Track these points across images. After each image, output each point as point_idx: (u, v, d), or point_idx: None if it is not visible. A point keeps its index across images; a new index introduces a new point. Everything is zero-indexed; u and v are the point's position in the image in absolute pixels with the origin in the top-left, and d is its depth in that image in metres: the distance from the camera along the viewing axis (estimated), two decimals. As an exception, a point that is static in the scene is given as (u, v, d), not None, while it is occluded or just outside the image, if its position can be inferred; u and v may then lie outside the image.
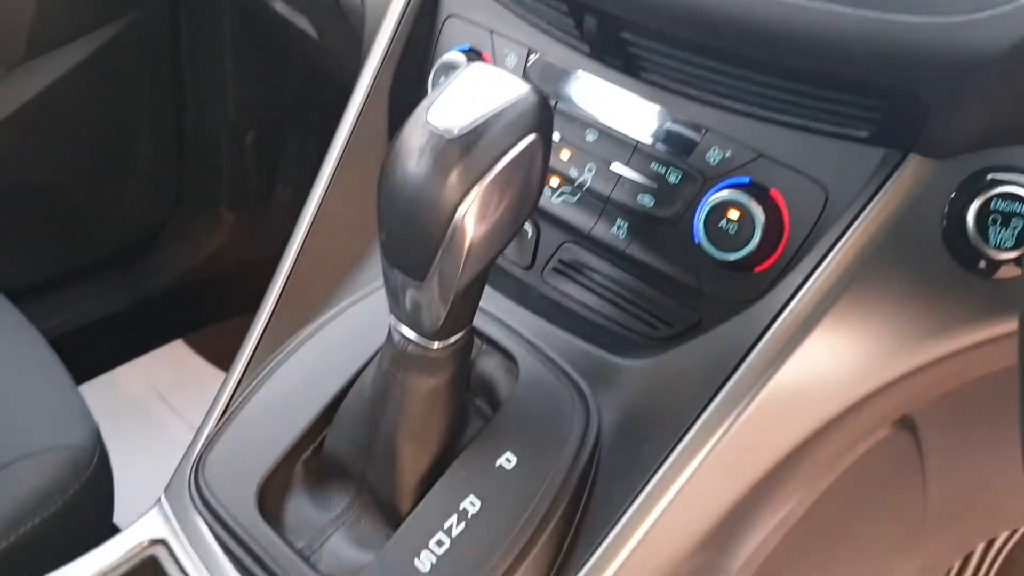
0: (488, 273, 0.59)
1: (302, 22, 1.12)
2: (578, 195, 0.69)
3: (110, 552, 0.70)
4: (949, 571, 0.96)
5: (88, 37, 1.37)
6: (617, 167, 0.67)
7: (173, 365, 1.66)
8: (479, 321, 0.67)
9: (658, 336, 0.65)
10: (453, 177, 0.53)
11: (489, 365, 0.68)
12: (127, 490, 0.95)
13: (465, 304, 0.59)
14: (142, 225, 1.59)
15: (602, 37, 0.64)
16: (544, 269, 0.71)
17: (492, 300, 0.70)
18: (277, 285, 0.76)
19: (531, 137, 0.55)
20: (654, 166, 0.65)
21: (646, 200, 0.65)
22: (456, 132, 0.53)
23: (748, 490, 0.60)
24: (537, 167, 0.56)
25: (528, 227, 0.71)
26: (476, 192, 0.54)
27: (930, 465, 0.69)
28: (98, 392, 1.26)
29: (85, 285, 1.54)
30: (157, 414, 1.61)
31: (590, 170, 0.68)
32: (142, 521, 0.72)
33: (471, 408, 0.66)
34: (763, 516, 0.63)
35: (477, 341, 0.68)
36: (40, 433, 0.83)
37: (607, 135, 0.67)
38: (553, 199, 0.70)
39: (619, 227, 0.67)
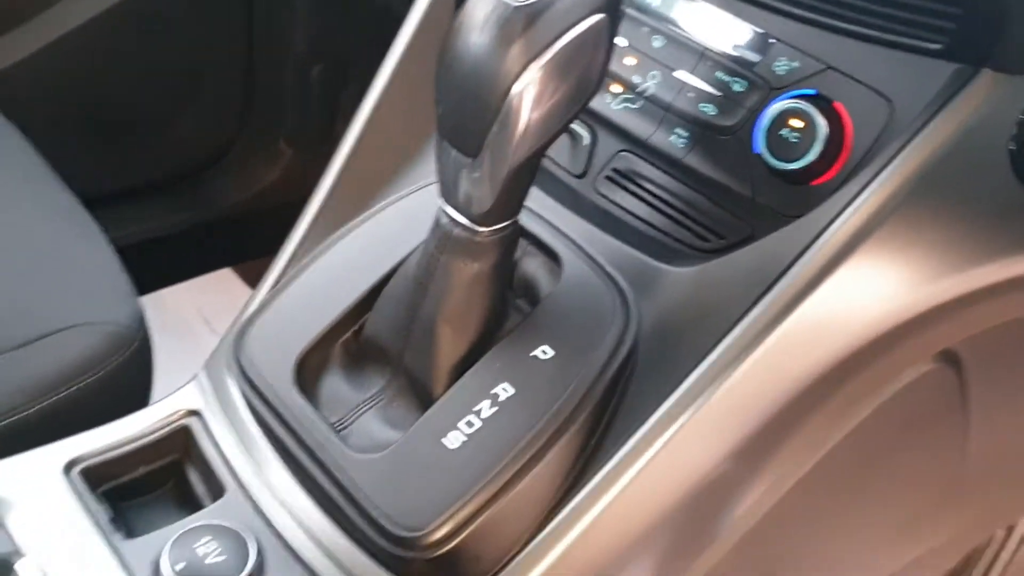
0: (539, 161, 0.59)
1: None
2: (639, 102, 0.68)
3: (142, 419, 0.71)
4: (991, 539, 0.93)
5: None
6: (681, 75, 0.66)
7: (220, 291, 1.69)
8: (527, 221, 0.67)
9: (707, 248, 0.65)
10: (515, 48, 0.53)
11: (532, 266, 0.68)
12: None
13: (514, 190, 0.58)
14: (202, 149, 1.61)
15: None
16: (597, 178, 0.70)
17: (541, 204, 0.70)
18: (332, 175, 0.77)
19: (598, 17, 0.54)
20: (719, 75, 0.64)
21: (708, 109, 0.65)
22: (523, 1, 0.53)
23: (783, 405, 0.60)
24: (602, 50, 0.56)
25: (584, 133, 0.71)
26: (536, 66, 0.53)
27: (973, 409, 0.67)
28: (145, 309, 1.28)
29: (141, 203, 1.56)
30: (200, 336, 1.64)
31: (653, 77, 0.67)
32: (178, 393, 0.73)
33: (511, 305, 0.66)
34: (796, 435, 0.62)
35: (522, 242, 0.68)
36: (88, 307, 0.85)
37: (674, 42, 0.67)
38: (613, 106, 0.69)
39: (678, 136, 0.66)
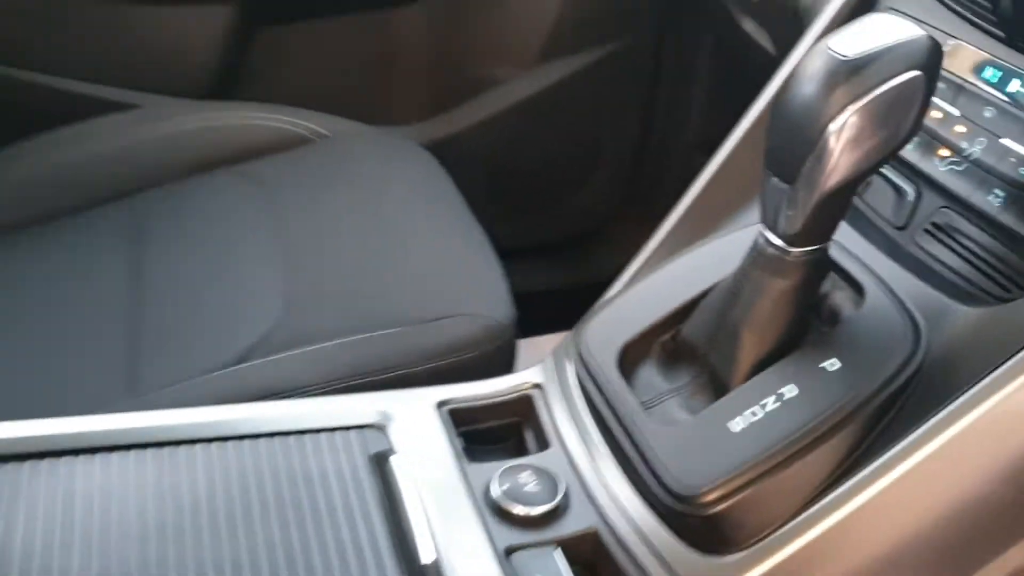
0: (848, 196, 0.68)
1: (763, 39, 1.27)
2: (964, 165, 0.74)
3: (499, 383, 0.88)
4: None
5: (586, 52, 1.64)
6: (1007, 142, 0.72)
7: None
8: (844, 261, 0.76)
9: (1008, 299, 0.69)
10: (838, 92, 0.63)
11: (840, 298, 0.76)
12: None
13: (821, 217, 0.67)
14: (589, 220, 1.82)
15: (1017, 18, 0.70)
16: (916, 230, 0.77)
17: (861, 248, 0.78)
18: (679, 211, 0.91)
19: (914, 73, 0.63)
20: None
21: (1028, 173, 0.70)
22: (850, 55, 0.63)
23: None
24: (916, 103, 0.64)
25: (910, 190, 0.78)
26: (853, 109, 0.63)
27: None
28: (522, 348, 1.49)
29: (532, 259, 1.80)
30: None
31: (980, 143, 0.73)
32: (529, 370, 0.90)
33: (814, 328, 0.75)
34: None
35: (836, 277, 0.76)
36: (476, 303, 1.06)
37: (1004, 112, 0.72)
38: (940, 167, 0.76)
39: (995, 195, 0.71)
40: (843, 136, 0.64)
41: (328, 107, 1.47)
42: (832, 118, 0.63)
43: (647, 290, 0.84)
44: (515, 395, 0.87)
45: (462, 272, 1.12)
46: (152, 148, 1.36)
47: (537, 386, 0.87)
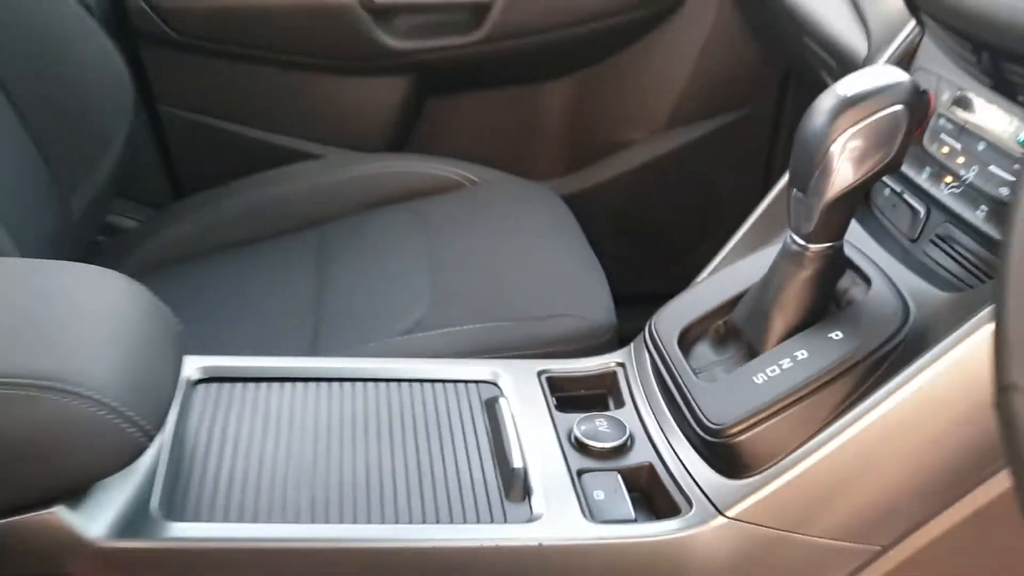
0: (851, 202, 0.87)
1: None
2: (962, 188, 0.92)
3: (589, 362, 1.10)
4: None
5: (709, 121, 1.87)
6: (993, 168, 0.89)
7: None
8: (863, 264, 0.95)
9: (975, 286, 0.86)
10: (838, 120, 0.83)
11: (854, 291, 0.94)
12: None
13: (829, 219, 0.87)
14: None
15: (995, 71, 0.89)
16: (924, 241, 0.95)
17: (879, 255, 0.96)
18: (745, 226, 1.12)
19: (898, 107, 0.83)
20: (1016, 167, 0.87)
21: (1004, 191, 0.87)
22: (849, 95, 0.84)
23: None
24: (899, 131, 0.83)
25: (921, 209, 0.96)
26: (849, 133, 0.83)
27: None
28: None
29: (647, 307, 1.99)
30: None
31: (974, 170, 0.91)
32: (616, 352, 1.12)
33: (831, 314, 0.93)
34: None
35: (855, 276, 0.95)
36: (583, 306, 1.28)
37: (993, 146, 0.90)
38: (945, 191, 0.94)
39: (982, 210, 0.89)
40: (842, 155, 0.84)
41: (481, 160, 1.76)
42: (834, 140, 0.84)
43: (707, 288, 1.05)
44: (601, 370, 1.09)
45: (573, 283, 1.36)
46: (336, 189, 1.68)
47: (621, 364, 1.09)
